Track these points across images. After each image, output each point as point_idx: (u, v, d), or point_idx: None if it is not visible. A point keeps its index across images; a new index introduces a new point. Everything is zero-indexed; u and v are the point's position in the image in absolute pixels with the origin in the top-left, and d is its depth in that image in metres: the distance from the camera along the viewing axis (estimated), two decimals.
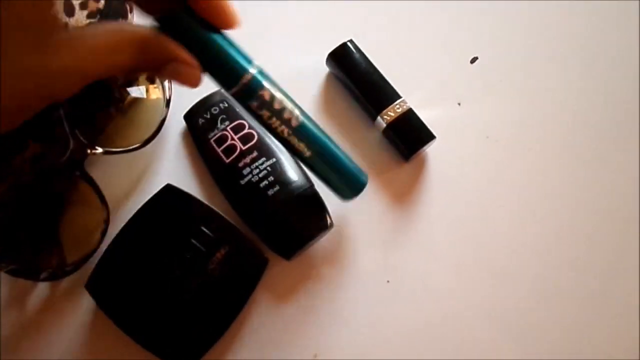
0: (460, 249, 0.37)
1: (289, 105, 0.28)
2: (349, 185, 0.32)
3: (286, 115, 0.27)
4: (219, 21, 0.25)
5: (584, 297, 0.36)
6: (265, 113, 0.27)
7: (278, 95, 0.27)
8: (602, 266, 0.36)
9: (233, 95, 0.26)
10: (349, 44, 0.38)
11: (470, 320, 0.35)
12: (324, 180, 0.32)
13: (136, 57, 0.23)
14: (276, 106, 0.27)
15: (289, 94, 0.28)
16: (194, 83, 0.25)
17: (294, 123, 0.28)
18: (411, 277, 0.36)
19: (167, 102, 0.37)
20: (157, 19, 0.24)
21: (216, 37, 0.25)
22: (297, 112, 0.28)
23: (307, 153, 0.29)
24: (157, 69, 0.24)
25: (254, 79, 0.26)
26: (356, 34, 0.39)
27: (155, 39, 0.24)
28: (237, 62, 0.26)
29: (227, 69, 0.26)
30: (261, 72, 0.27)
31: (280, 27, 0.42)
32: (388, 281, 0.36)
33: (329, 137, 0.30)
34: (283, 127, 0.28)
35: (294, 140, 0.28)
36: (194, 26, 0.24)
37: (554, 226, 0.37)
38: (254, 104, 0.27)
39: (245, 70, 0.26)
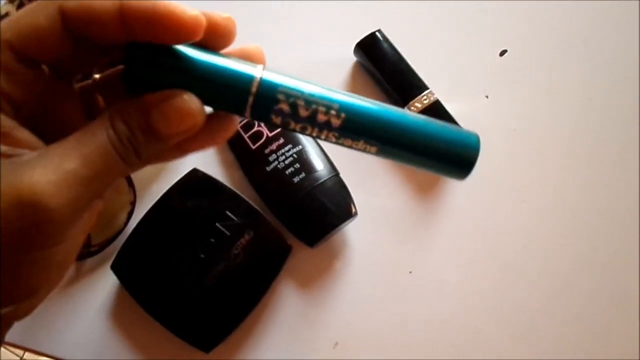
0: (482, 242, 0.36)
1: (320, 103, 0.20)
2: (451, 162, 0.21)
3: (321, 118, 0.20)
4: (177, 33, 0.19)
5: (605, 297, 0.36)
6: (294, 125, 0.20)
7: (300, 98, 0.20)
8: (626, 266, 0.36)
9: (243, 114, 0.20)
10: (377, 33, 0.38)
11: (491, 313, 0.35)
12: (418, 168, 0.22)
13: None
14: (302, 114, 0.20)
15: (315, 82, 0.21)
16: (195, 118, 0.19)
17: (335, 123, 0.20)
18: (434, 269, 0.36)
19: None
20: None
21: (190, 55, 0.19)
22: (335, 106, 0.20)
23: (373, 149, 0.21)
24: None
25: (264, 87, 0.19)
26: (385, 24, 0.39)
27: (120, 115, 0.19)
28: (237, 75, 0.20)
29: (222, 94, 0.20)
30: (268, 73, 0.20)
31: (308, 16, 0.42)
32: (410, 272, 0.36)
33: (391, 113, 0.21)
34: (325, 132, 0.20)
35: (349, 142, 0.20)
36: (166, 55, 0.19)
37: (577, 223, 0.37)
38: (276, 118, 0.20)
39: (250, 77, 0.19)
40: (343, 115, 0.20)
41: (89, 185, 0.18)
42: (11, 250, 0.17)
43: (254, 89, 0.19)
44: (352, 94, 0.21)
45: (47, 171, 0.17)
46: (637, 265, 0.36)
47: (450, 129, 0.21)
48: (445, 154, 0.21)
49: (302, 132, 0.21)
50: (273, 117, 0.20)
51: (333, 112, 0.20)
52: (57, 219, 0.17)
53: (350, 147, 0.21)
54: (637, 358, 0.34)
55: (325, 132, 0.20)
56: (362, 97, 0.21)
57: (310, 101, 0.20)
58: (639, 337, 0.35)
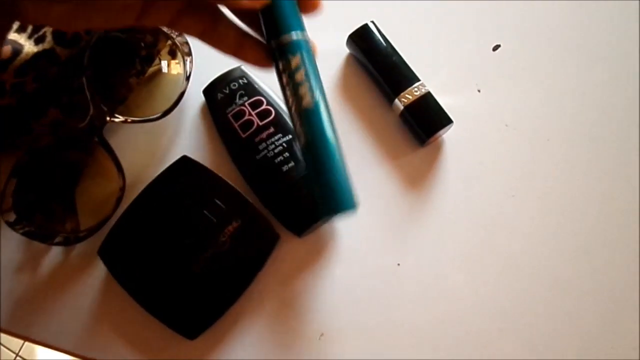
0: (472, 236, 0.36)
1: (311, 84, 0.27)
2: (327, 199, 0.27)
3: (302, 91, 0.26)
4: None
5: (592, 293, 0.35)
6: (285, 78, 0.27)
7: (306, 69, 0.27)
8: (619, 262, 0.36)
9: (270, 44, 0.27)
10: (370, 25, 0.38)
11: (477, 307, 0.35)
12: (311, 179, 0.28)
13: None
14: (297, 77, 0.27)
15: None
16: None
17: (305, 103, 0.26)
18: (422, 262, 0.36)
19: (188, 77, 0.38)
20: None
21: None
22: (316, 96, 0.27)
23: (302, 140, 0.27)
24: None
25: (293, 43, 0.26)
26: (378, 15, 0.39)
27: None
28: (290, 20, 0.26)
29: (280, 20, 0.26)
30: (304, 43, 0.27)
31: None
32: (399, 264, 0.36)
33: (335, 142, 0.27)
34: (293, 100, 0.27)
35: (296, 119, 0.27)
36: None
37: (569, 219, 0.37)
38: (281, 64, 0.27)
39: (292, 30, 0.26)
40: (312, 104, 0.27)
41: None
42: None
43: (295, 37, 0.27)
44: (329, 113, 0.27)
45: None
46: (636, 262, 0.36)
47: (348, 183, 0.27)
48: (333, 191, 0.27)
49: (284, 86, 0.27)
50: (284, 59, 0.27)
51: (312, 96, 0.27)
52: None
53: (294, 123, 0.27)
54: (637, 358, 0.34)
55: (293, 100, 0.27)
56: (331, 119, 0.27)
57: (309, 76, 0.27)
58: (639, 337, 0.34)
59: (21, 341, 1.18)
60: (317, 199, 0.27)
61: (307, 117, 0.26)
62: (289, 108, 0.27)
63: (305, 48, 0.27)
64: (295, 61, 0.26)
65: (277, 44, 0.27)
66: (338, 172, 0.27)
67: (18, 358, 1.20)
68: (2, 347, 1.20)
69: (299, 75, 0.26)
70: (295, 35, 0.26)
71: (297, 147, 0.35)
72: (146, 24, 0.25)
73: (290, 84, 0.27)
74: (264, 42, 0.28)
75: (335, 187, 0.27)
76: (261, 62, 0.28)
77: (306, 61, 0.27)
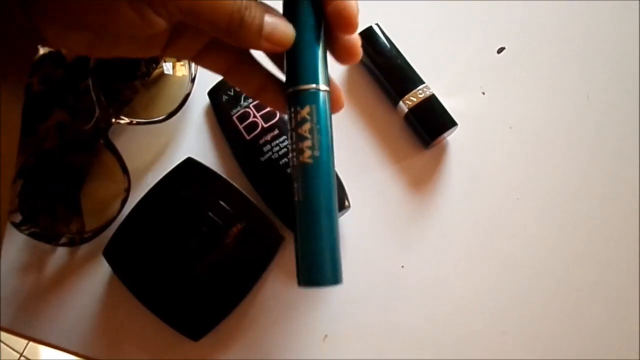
0: (476, 239, 0.36)
1: (316, 141, 0.25)
2: (307, 268, 0.25)
3: (304, 145, 0.25)
4: (339, 23, 0.25)
5: (593, 294, 0.35)
6: (291, 127, 0.25)
7: (313, 124, 0.25)
8: (620, 263, 0.36)
9: (285, 90, 0.26)
10: (374, 27, 0.38)
11: (480, 308, 0.35)
12: (295, 243, 0.26)
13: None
14: (301, 130, 0.25)
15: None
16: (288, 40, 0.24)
17: (304, 158, 0.25)
18: (426, 263, 0.36)
19: (193, 79, 0.38)
20: None
21: (314, 36, 0.25)
22: (317, 153, 0.25)
23: (295, 197, 0.25)
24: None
25: (306, 94, 0.25)
26: (383, 18, 0.39)
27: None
28: (308, 69, 0.25)
29: (297, 68, 0.25)
30: (320, 95, 0.25)
31: None
32: (402, 266, 0.36)
33: (331, 206, 0.25)
34: (293, 153, 0.25)
35: (293, 174, 0.25)
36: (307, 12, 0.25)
37: (572, 221, 0.37)
38: (290, 112, 0.25)
39: (308, 81, 0.25)
40: (311, 161, 0.25)
41: None
42: None
43: (312, 88, 0.25)
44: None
45: None
46: (636, 263, 0.36)
47: (334, 255, 0.25)
48: (315, 260, 0.25)
49: (288, 134, 0.26)
50: (293, 108, 0.25)
51: (313, 153, 0.25)
52: None
53: (291, 178, 0.25)
54: (637, 358, 0.34)
55: (292, 153, 0.25)
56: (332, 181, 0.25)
57: (313, 131, 0.25)
58: (639, 337, 0.34)
59: (25, 341, 1.19)
60: (297, 266, 0.25)
61: (303, 173, 0.25)
62: (290, 159, 0.26)
63: (319, 101, 0.25)
64: (303, 113, 0.25)
65: (291, 91, 0.25)
66: (327, 240, 0.25)
67: (22, 358, 1.20)
68: (6, 347, 1.20)
69: (304, 129, 0.25)
70: (310, 86, 0.25)
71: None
72: (169, 56, 0.25)
73: (294, 135, 0.25)
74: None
75: (319, 257, 0.24)
76: (279, 108, 0.28)
77: (316, 115, 0.25)
